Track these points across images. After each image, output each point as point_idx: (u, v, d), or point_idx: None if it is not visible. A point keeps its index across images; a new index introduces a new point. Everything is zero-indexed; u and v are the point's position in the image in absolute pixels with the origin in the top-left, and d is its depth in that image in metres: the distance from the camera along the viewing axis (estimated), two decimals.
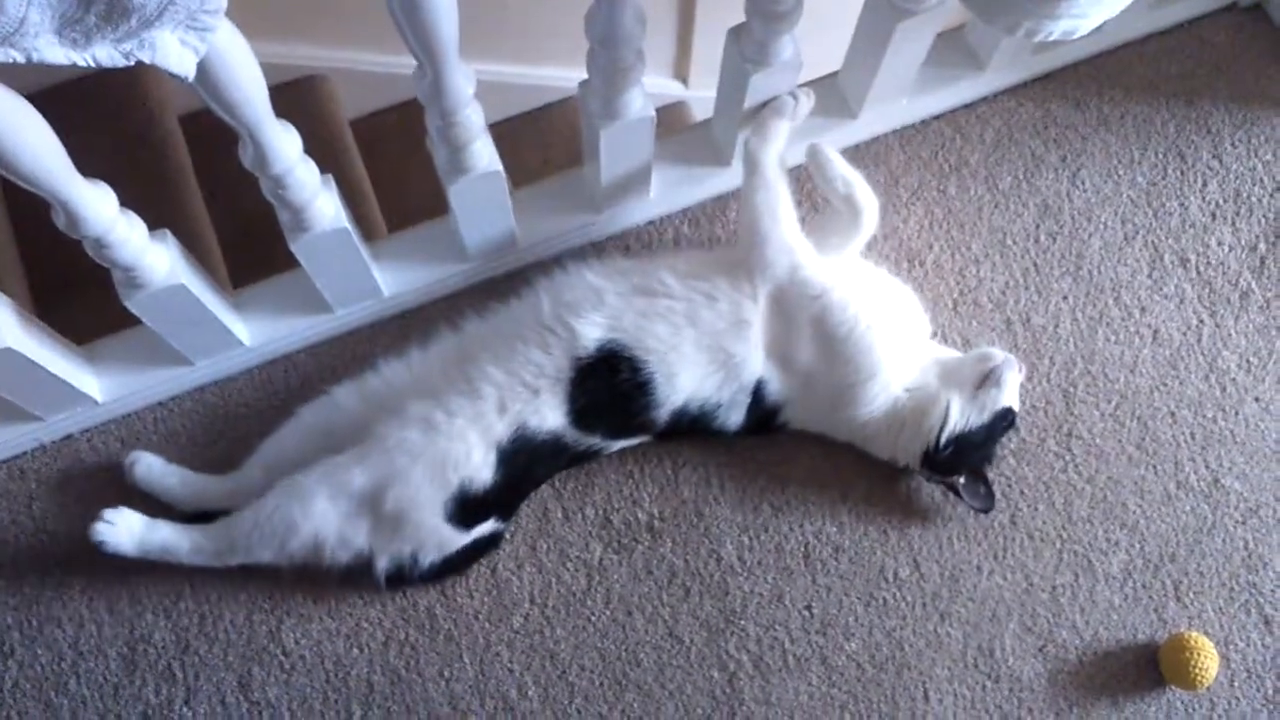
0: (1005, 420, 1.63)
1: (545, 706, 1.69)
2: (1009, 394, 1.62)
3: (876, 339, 1.59)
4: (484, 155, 1.55)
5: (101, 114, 2.39)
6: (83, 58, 0.96)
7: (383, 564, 1.60)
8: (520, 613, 1.72)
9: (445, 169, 1.56)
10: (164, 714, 1.67)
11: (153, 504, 1.68)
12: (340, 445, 1.61)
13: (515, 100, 3.08)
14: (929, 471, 1.65)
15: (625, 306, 1.59)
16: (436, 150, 1.54)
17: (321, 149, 2.45)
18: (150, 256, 1.46)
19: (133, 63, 0.98)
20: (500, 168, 1.57)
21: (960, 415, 1.60)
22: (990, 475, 1.69)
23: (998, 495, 1.72)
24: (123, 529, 1.61)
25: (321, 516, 1.56)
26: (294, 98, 2.69)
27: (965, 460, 1.64)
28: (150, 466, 1.69)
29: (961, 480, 1.65)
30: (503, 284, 1.81)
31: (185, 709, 1.68)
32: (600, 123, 1.57)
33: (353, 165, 2.75)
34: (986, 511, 1.69)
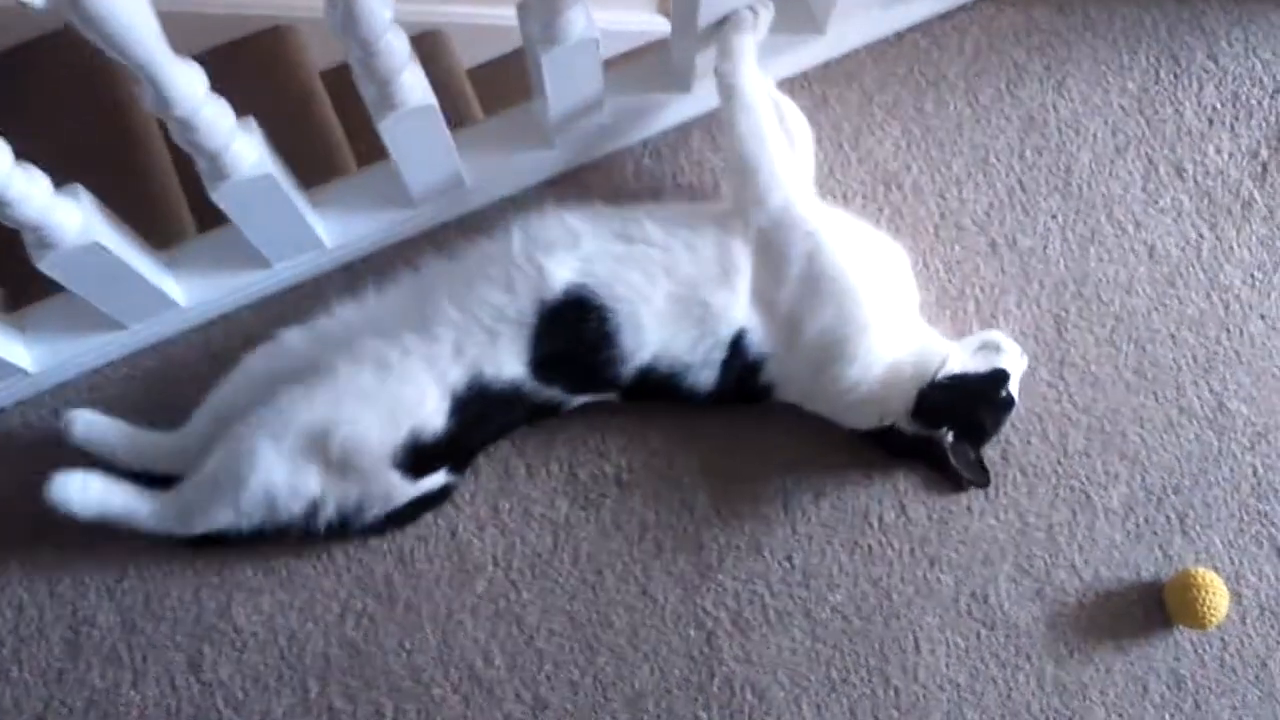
0: (1001, 381, 1.57)
1: (513, 675, 1.64)
2: (1007, 362, 1.58)
3: (869, 289, 1.54)
4: (415, 88, 1.45)
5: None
6: None
7: (329, 511, 1.55)
8: (483, 577, 1.67)
9: (374, 105, 1.47)
10: (111, 698, 1.63)
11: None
12: None
13: (498, 42, 3.01)
14: (916, 420, 1.57)
15: (601, 251, 1.53)
16: (364, 86, 1.46)
17: (291, 100, 2.45)
18: (59, 214, 1.37)
19: None
20: (434, 102, 1.48)
21: (959, 364, 1.57)
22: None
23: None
24: (78, 488, 1.54)
25: (267, 463, 1.50)
26: (263, 49, 2.63)
27: (957, 409, 1.56)
28: (90, 424, 1.60)
29: (949, 438, 1.57)
30: (454, 230, 1.74)
31: (133, 692, 1.63)
32: (540, 47, 1.48)
33: (324, 115, 2.69)
34: (981, 485, 1.65)
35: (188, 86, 1.27)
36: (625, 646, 1.65)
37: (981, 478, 1.61)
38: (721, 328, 1.53)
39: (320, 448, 1.50)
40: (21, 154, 1.29)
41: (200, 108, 1.31)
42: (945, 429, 1.56)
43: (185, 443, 1.60)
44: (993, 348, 1.59)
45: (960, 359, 1.57)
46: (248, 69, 2.44)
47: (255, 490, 1.51)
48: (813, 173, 1.66)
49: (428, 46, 2.72)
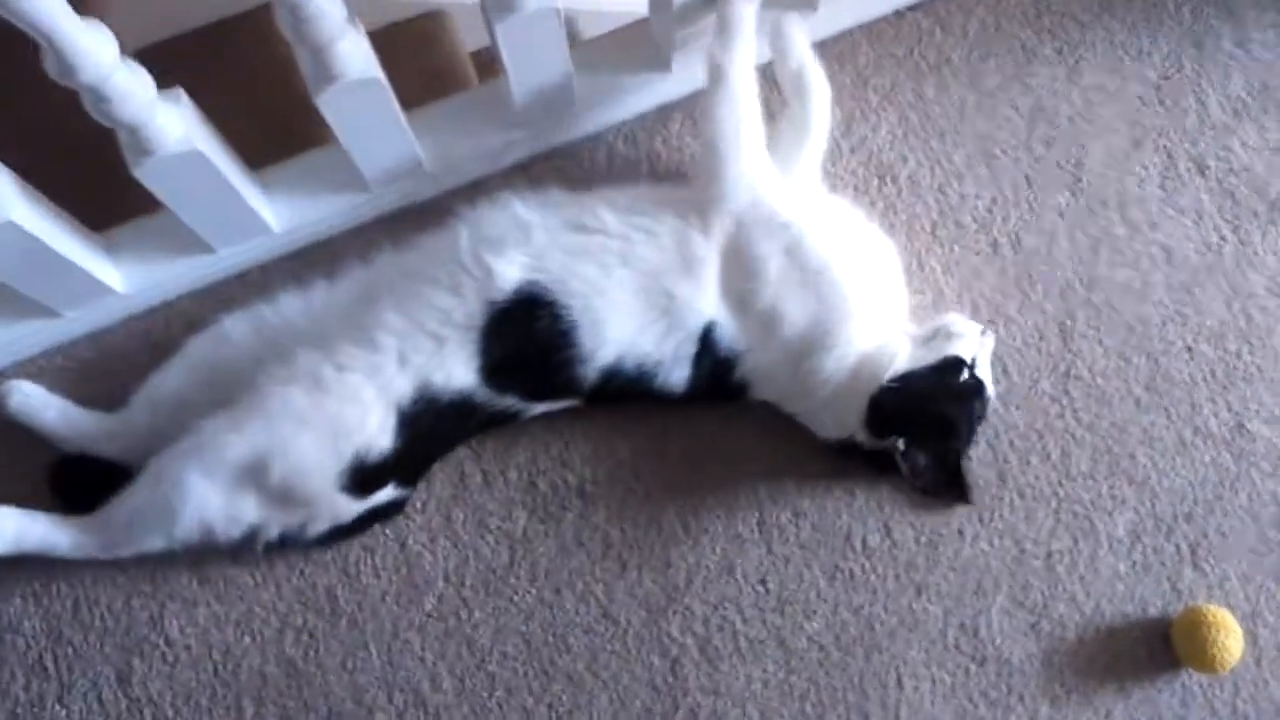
0: (953, 368, 1.48)
1: (462, 700, 1.59)
2: (964, 348, 1.49)
3: (853, 278, 1.48)
4: (355, 58, 1.35)
5: None
6: None
7: (270, 534, 1.52)
8: (433, 593, 1.61)
9: (311, 77, 1.37)
10: (35, 712, 1.58)
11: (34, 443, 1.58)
12: (230, 384, 1.50)
13: None
14: (870, 430, 1.49)
15: (552, 243, 1.47)
16: (300, 56, 1.36)
17: (287, 76, 2.39)
18: None
19: None
20: (379, 75, 1.38)
21: (909, 360, 1.48)
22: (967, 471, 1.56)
23: (982, 446, 1.59)
24: None
25: (199, 497, 1.45)
26: (258, 24, 2.58)
27: (909, 412, 1.47)
28: (28, 396, 1.58)
29: (900, 445, 1.47)
30: (415, 215, 1.67)
31: (58, 706, 1.58)
32: (494, 16, 1.39)
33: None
34: (963, 499, 1.56)
35: (94, 51, 1.17)
36: (583, 673, 1.59)
37: (956, 492, 1.53)
38: (690, 319, 1.46)
39: (257, 477, 1.45)
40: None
41: (109, 75, 1.21)
42: (898, 438, 1.47)
43: (123, 427, 1.57)
44: (944, 334, 1.50)
45: (908, 354, 1.49)
46: (241, 45, 2.39)
47: (189, 522, 1.48)
48: (821, 152, 1.58)
49: (429, 27, 2.67)
